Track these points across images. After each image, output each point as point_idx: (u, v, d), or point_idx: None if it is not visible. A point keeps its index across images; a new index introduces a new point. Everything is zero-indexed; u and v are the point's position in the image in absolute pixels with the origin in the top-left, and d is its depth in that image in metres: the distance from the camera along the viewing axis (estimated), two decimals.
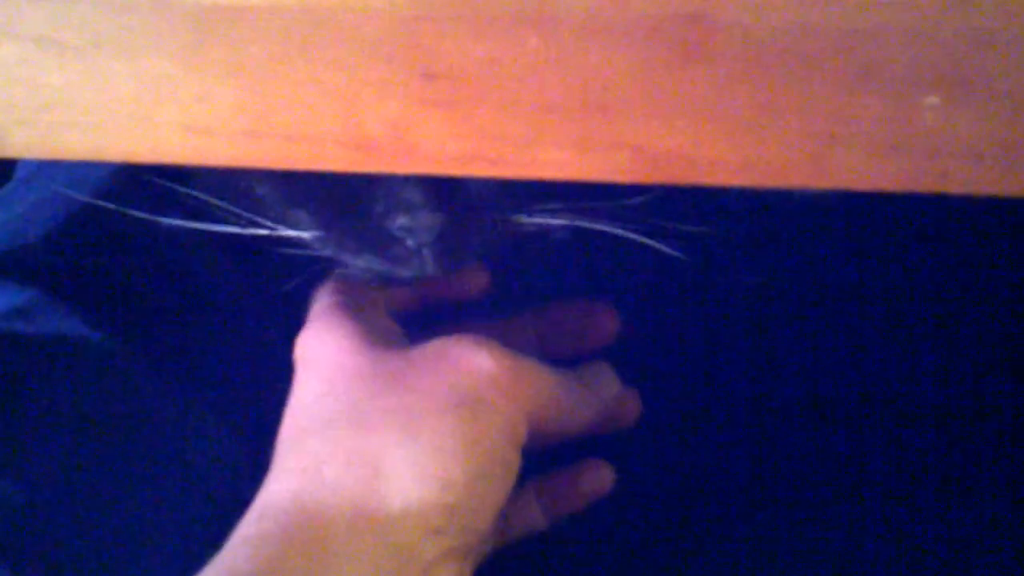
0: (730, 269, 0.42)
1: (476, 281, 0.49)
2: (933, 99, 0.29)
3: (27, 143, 0.31)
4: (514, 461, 0.40)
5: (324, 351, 0.41)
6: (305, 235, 0.42)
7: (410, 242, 0.40)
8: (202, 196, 0.42)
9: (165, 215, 0.43)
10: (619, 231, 0.41)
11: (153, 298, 0.45)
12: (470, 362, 0.39)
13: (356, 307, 0.43)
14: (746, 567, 0.52)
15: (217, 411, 0.45)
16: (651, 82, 0.29)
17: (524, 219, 0.41)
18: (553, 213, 0.41)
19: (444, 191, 0.39)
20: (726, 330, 0.55)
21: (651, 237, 0.41)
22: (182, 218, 0.43)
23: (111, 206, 0.43)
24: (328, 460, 0.37)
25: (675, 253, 0.41)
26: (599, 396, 0.44)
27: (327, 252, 0.42)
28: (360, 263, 0.42)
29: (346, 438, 0.38)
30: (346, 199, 0.40)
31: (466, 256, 0.42)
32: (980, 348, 0.54)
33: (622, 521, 0.52)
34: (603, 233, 0.41)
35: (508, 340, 0.43)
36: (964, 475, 0.52)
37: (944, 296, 0.55)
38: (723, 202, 0.48)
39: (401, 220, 0.39)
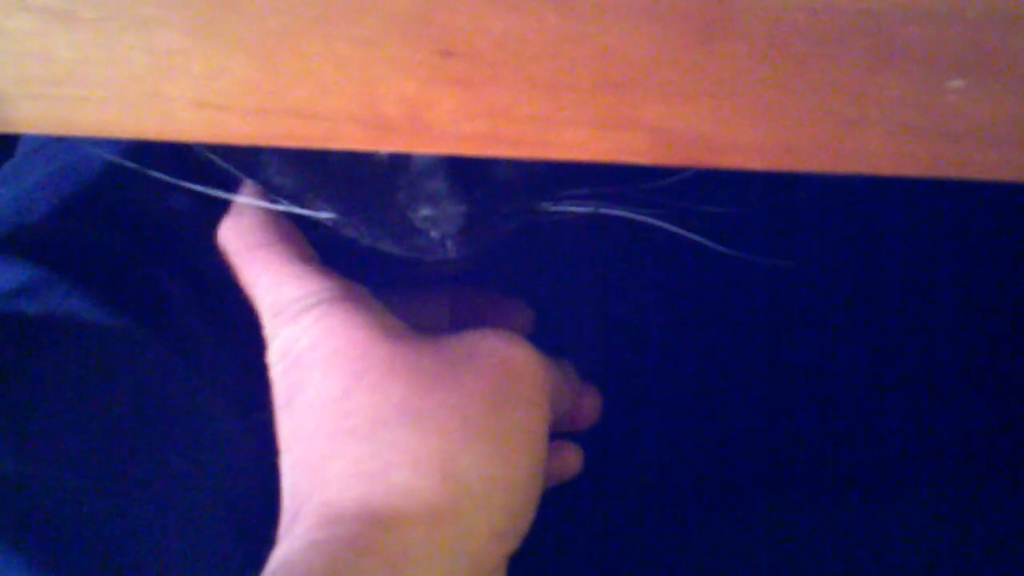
0: (753, 253, 0.41)
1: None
2: (957, 82, 0.29)
3: (37, 117, 0.31)
4: (547, 455, 0.40)
5: (338, 342, 0.40)
6: (324, 216, 0.41)
7: (434, 233, 0.39)
8: (216, 159, 0.41)
9: (175, 198, 0.43)
10: (643, 217, 0.41)
11: (162, 278, 0.45)
12: (507, 358, 0.39)
13: (351, 293, 0.42)
14: (760, 557, 0.52)
15: (226, 394, 0.45)
16: (671, 61, 0.29)
17: (549, 207, 0.41)
18: (578, 200, 0.41)
19: (468, 180, 0.38)
20: (747, 315, 0.54)
21: (676, 223, 0.41)
22: (193, 203, 0.43)
23: (134, 165, 0.42)
24: (394, 464, 0.36)
25: (699, 239, 0.40)
26: (571, 388, 0.45)
27: (346, 233, 0.42)
28: (380, 247, 0.41)
29: (407, 440, 0.37)
30: (367, 188, 0.40)
31: (489, 245, 0.41)
32: (1005, 337, 0.54)
33: (631, 509, 0.52)
34: (627, 219, 0.41)
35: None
36: (983, 462, 0.52)
37: (967, 281, 0.54)
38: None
39: (424, 211, 0.39)
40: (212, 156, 0.41)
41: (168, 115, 0.31)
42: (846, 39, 0.28)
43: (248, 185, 0.44)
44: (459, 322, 0.46)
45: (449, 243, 0.40)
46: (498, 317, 0.46)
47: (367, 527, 0.35)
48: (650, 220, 0.41)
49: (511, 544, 0.38)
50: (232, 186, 0.43)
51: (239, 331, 0.43)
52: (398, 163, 0.39)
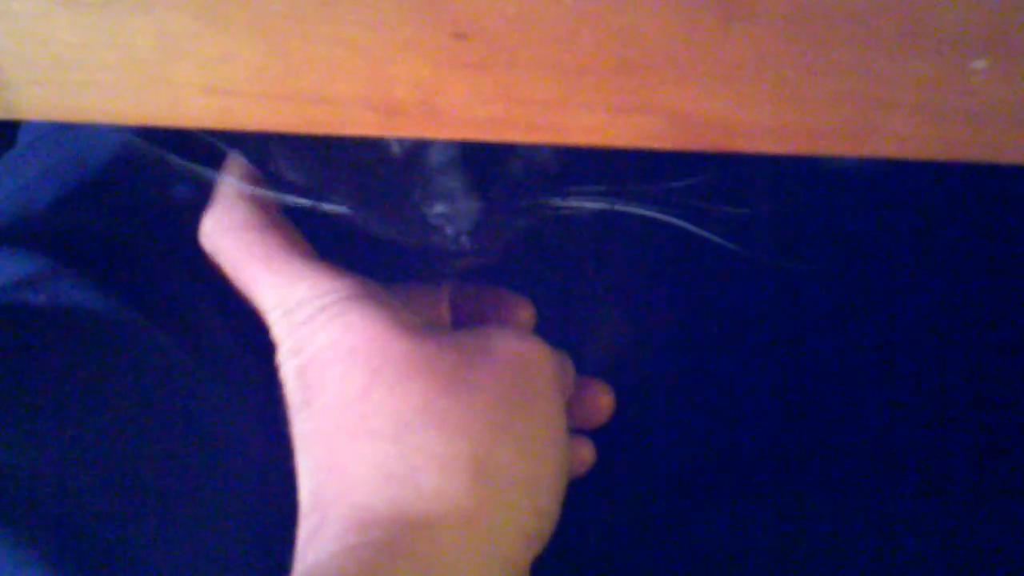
0: (769, 254, 0.41)
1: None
2: (981, 63, 0.28)
3: (42, 103, 0.31)
4: (568, 451, 0.40)
5: (356, 340, 0.39)
6: (338, 210, 0.41)
7: (448, 230, 0.39)
8: (221, 144, 0.40)
9: (181, 187, 0.42)
10: (658, 215, 0.40)
11: (169, 269, 0.44)
12: (521, 355, 0.39)
13: (365, 290, 0.42)
14: (768, 554, 0.52)
15: (236, 388, 0.44)
16: (690, 43, 0.28)
17: (563, 203, 0.41)
18: (592, 197, 0.40)
19: (483, 177, 0.38)
20: (758, 314, 0.54)
21: (691, 222, 0.40)
22: (199, 193, 0.42)
23: (151, 148, 0.41)
24: (421, 467, 0.36)
25: (714, 238, 0.40)
26: (571, 378, 0.44)
27: (357, 226, 0.41)
28: (392, 240, 0.41)
29: (433, 443, 0.37)
30: (381, 184, 0.39)
31: (503, 241, 0.41)
32: (1016, 337, 0.54)
33: (639, 507, 0.52)
34: (642, 217, 0.41)
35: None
36: (992, 461, 0.52)
37: (981, 281, 0.54)
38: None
39: (439, 208, 0.38)
40: (218, 143, 0.41)
41: (175, 101, 0.30)
42: (868, 19, 0.28)
43: (235, 168, 0.43)
44: (459, 316, 0.46)
45: (463, 239, 0.39)
46: (499, 311, 0.46)
47: (399, 531, 0.35)
48: (663, 218, 0.41)
49: (540, 545, 0.38)
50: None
51: (248, 324, 0.43)
52: (413, 159, 0.38)
